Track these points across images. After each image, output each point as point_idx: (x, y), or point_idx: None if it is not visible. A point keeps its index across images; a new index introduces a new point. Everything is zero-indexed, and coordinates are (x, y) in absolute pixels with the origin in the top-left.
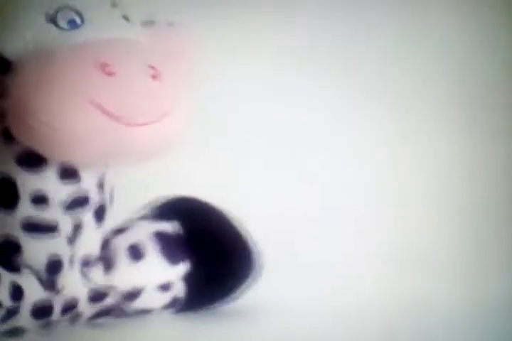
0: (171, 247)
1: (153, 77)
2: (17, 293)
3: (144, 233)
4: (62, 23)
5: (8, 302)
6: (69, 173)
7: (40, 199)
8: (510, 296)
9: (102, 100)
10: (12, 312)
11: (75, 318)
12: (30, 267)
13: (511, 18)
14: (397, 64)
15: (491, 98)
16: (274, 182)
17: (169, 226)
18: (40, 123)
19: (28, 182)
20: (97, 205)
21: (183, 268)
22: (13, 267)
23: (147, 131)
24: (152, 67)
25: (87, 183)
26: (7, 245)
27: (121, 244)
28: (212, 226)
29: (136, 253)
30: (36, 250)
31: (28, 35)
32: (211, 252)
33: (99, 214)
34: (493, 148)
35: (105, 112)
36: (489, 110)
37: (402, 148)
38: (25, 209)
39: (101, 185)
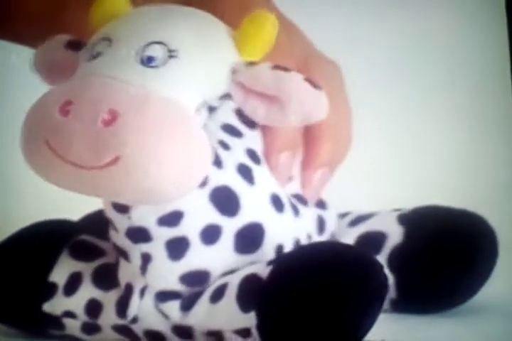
0: (249, 292)
1: (105, 122)
2: (94, 309)
3: (239, 273)
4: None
5: (83, 316)
6: (118, 205)
7: (113, 226)
8: None
9: (52, 140)
10: (92, 327)
11: None
12: (119, 288)
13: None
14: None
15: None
16: None
17: (266, 270)
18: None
19: (104, 208)
20: (167, 240)
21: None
22: (107, 285)
23: (101, 175)
24: (111, 112)
25: (140, 217)
26: (117, 260)
27: (215, 283)
28: None
29: (217, 295)
30: (123, 272)
31: None
32: None
33: (173, 249)
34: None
35: (56, 153)
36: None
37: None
38: (111, 232)
39: (165, 221)
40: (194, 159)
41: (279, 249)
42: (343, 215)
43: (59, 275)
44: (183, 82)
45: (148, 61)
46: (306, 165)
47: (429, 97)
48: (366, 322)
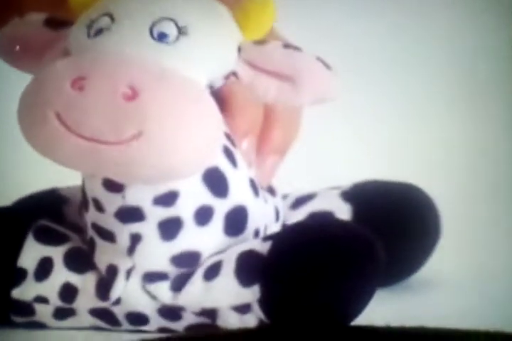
0: (250, 268)
1: (127, 97)
2: (69, 294)
3: (233, 251)
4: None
5: (56, 301)
6: (112, 184)
7: (98, 206)
8: None
9: (64, 114)
10: (65, 312)
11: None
12: (96, 271)
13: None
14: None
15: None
16: None
17: (264, 246)
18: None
19: (88, 188)
20: (160, 220)
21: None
22: (82, 268)
23: (121, 149)
24: (131, 87)
25: (135, 196)
26: (90, 242)
27: (205, 262)
28: None
29: (212, 272)
30: (103, 254)
31: None
32: None
33: (166, 229)
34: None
35: (68, 128)
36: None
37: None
38: (92, 213)
39: (161, 201)
40: (211, 137)
41: (256, 233)
42: (283, 198)
43: (27, 260)
44: (196, 60)
45: (160, 37)
46: (259, 150)
47: (427, 91)
48: (366, 296)
